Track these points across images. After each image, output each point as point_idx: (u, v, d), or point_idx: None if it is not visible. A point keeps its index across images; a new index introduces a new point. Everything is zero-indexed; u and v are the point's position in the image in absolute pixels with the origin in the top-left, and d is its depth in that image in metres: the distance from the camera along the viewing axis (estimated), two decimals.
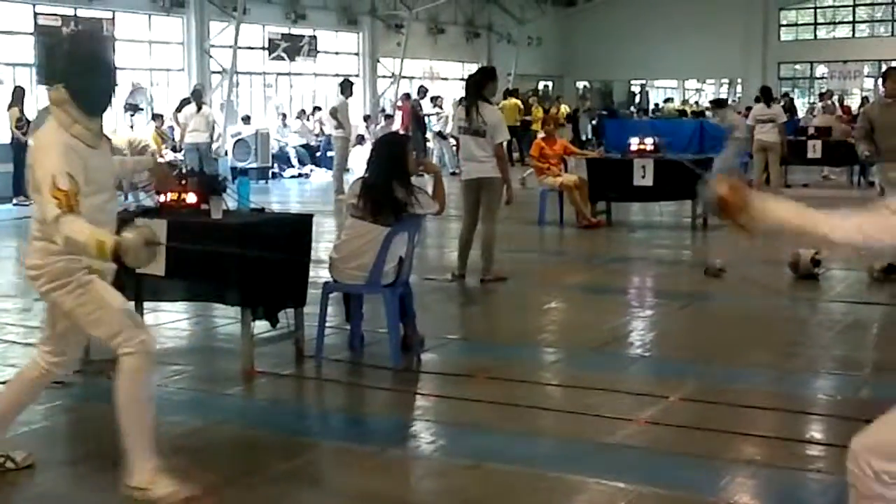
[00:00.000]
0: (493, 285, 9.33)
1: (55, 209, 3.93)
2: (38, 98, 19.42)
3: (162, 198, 6.39)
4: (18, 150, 17.00)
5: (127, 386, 4.21)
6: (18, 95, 17.46)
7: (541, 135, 14.59)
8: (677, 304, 8.62)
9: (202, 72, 23.21)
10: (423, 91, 24.91)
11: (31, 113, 17.50)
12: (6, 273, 11.14)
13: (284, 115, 24.76)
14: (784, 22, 36.51)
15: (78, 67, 4.16)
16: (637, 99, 39.49)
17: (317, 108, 25.37)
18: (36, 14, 19.84)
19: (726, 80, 39.14)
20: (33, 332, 7.21)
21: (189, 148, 18.41)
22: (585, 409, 5.55)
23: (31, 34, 19.86)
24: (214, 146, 19.77)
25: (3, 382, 5.97)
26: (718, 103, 20.02)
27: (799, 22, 36.73)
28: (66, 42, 4.24)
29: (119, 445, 4.29)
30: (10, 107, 17.45)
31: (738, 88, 37.42)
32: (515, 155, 25.70)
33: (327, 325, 6.66)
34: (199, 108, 18.54)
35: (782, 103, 23.06)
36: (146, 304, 7.01)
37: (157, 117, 19.85)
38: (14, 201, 16.99)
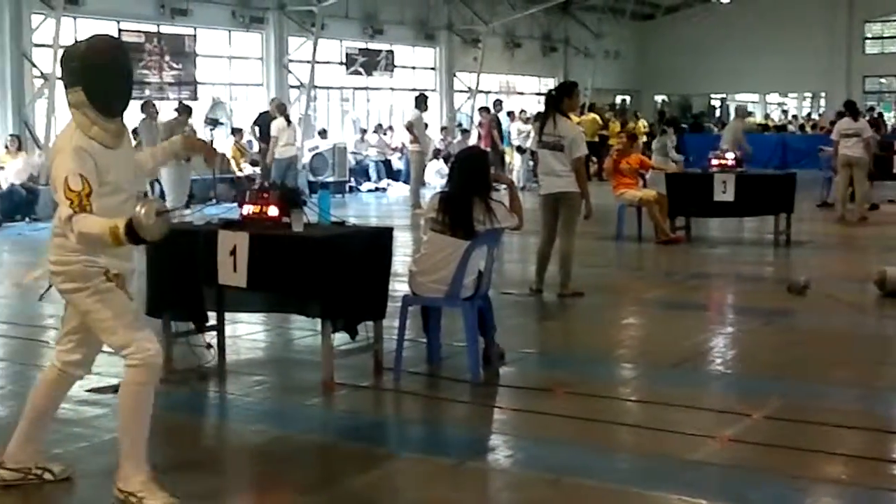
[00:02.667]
0: (570, 300, 9.28)
1: (68, 209, 4.05)
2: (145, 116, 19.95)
3: (244, 210, 6.47)
4: None
5: (129, 396, 4.32)
6: None
7: (615, 149, 14.50)
8: (759, 321, 8.49)
9: (281, 86, 23.50)
10: (498, 104, 24.95)
11: None
12: None
13: (364, 131, 24.95)
14: (869, 35, 35.83)
15: (94, 70, 4.25)
16: (717, 113, 39.06)
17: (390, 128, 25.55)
18: (120, 31, 20.25)
19: (809, 94, 38.53)
20: None
21: (279, 162, 18.51)
22: (666, 426, 5.49)
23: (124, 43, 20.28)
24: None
25: (89, 391, 6.13)
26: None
27: (884, 34, 36.01)
28: (83, 46, 4.31)
29: (194, 455, 4.34)
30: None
31: (822, 102, 36.81)
32: (593, 169, 25.60)
33: (406, 337, 6.68)
34: (289, 122, 18.67)
35: (868, 118, 22.59)
36: (226, 315, 7.12)
37: (236, 132, 20.13)
38: None
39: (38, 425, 4.63)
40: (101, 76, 4.26)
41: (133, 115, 17.53)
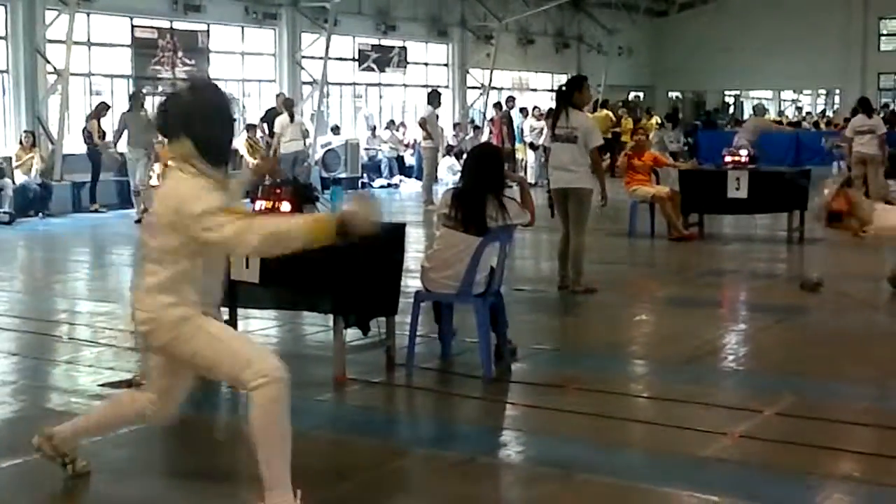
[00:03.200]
0: (583, 297, 9.27)
1: (234, 225, 3.86)
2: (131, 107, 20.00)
3: (256, 206, 6.48)
4: (95, 160, 17.65)
5: (265, 418, 4.00)
6: (101, 109, 17.97)
7: (629, 146, 14.48)
8: (772, 318, 8.46)
9: (293, 83, 23.52)
10: (511, 101, 24.94)
11: (107, 126, 18.20)
12: (101, 279, 11.44)
13: (374, 127, 24.95)
14: (884, 31, 35.64)
15: (202, 119, 4.06)
16: (731, 110, 38.94)
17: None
18: (133, 26, 20.32)
19: (823, 91, 38.38)
20: (128, 336, 7.40)
21: (285, 157, 18.61)
22: (677, 422, 5.48)
23: (128, 46, 20.35)
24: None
25: (102, 385, 6.17)
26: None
27: None
28: (186, 94, 4.12)
29: (205, 451, 4.33)
30: (89, 118, 17.96)
31: (836, 99, 36.67)
32: (605, 165, 25.54)
33: (418, 333, 6.69)
34: (292, 118, 18.76)
35: (883, 114, 22.50)
36: (239, 311, 7.14)
37: (250, 127, 20.17)
38: (92, 208, 17.59)
39: (89, 432, 4.66)
40: (208, 125, 4.06)
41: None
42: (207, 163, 4.05)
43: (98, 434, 4.74)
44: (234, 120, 4.31)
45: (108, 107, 18.35)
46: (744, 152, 13.52)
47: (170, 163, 4.16)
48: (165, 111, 4.14)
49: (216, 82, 4.40)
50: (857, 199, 2.71)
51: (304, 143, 19.14)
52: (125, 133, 16.75)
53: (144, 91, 18.49)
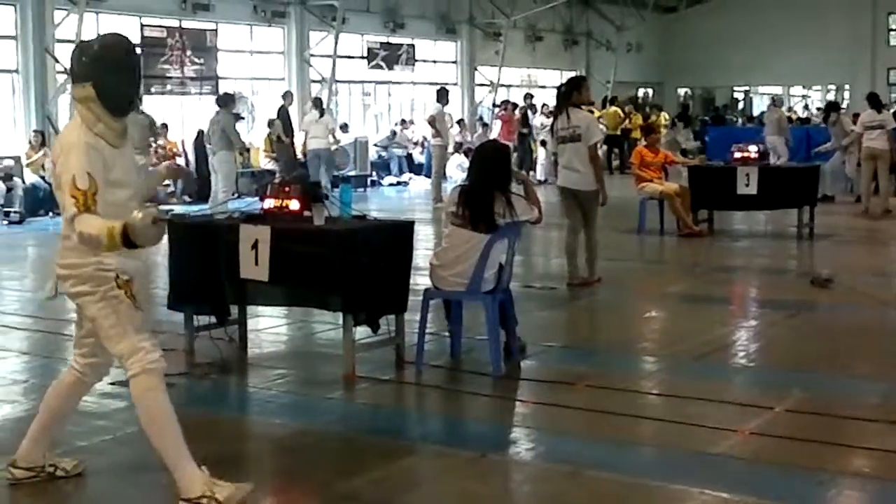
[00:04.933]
0: (590, 293, 9.27)
1: (72, 208, 4.06)
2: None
3: (266, 204, 6.50)
4: None
5: (142, 406, 4.26)
6: None
7: (642, 143, 14.46)
8: (782, 315, 8.44)
9: (302, 81, 23.53)
10: (529, 98, 24.95)
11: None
12: None
13: (394, 133, 24.97)
14: (893, 26, 35.47)
15: (105, 67, 4.27)
16: (741, 106, 38.85)
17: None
18: (142, 26, 20.35)
19: (833, 87, 38.25)
20: None
21: (311, 155, 18.98)
22: (687, 419, 5.47)
23: (137, 45, 20.35)
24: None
25: (112, 384, 6.17)
26: (833, 107, 19.46)
27: None
28: (96, 43, 4.34)
29: (215, 448, 4.34)
30: None
31: (846, 94, 36.54)
32: (616, 163, 25.53)
33: (427, 331, 6.69)
34: (322, 115, 19.06)
35: (893, 109, 22.44)
36: (248, 309, 7.15)
37: (272, 123, 20.24)
38: None
39: (49, 427, 4.62)
40: (112, 73, 4.27)
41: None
42: (106, 109, 4.25)
43: (55, 425, 4.65)
44: (139, 74, 4.50)
45: None
46: (752, 148, 13.48)
47: (74, 106, 4.38)
48: (78, 56, 4.35)
49: (126, 37, 4.58)
50: None
51: (329, 141, 19.33)
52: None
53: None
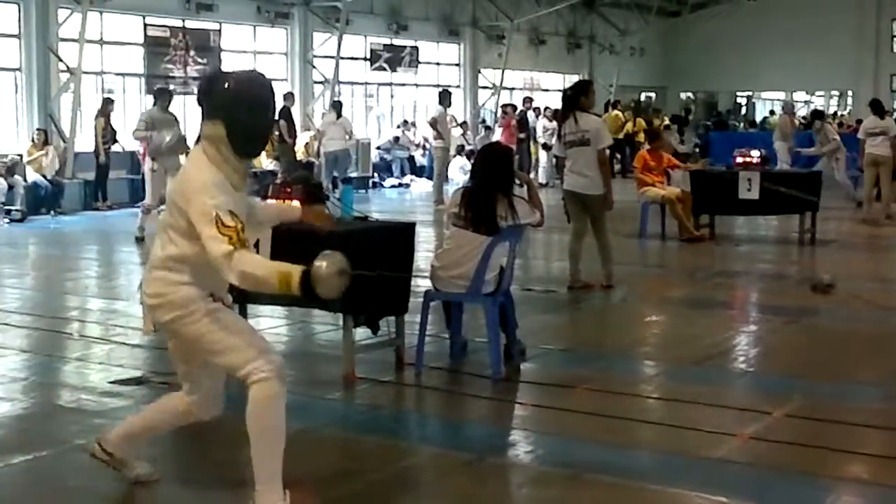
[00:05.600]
0: (591, 297, 9.27)
1: (226, 246, 3.79)
2: (144, 105, 19.99)
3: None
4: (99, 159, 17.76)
5: (261, 414, 4.01)
6: (107, 105, 18.03)
7: (646, 147, 14.46)
8: (782, 320, 8.44)
9: (305, 82, 23.56)
10: (528, 101, 24.96)
11: (117, 124, 18.33)
12: (111, 277, 11.47)
13: (398, 138, 25.01)
14: None
15: (244, 107, 4.00)
16: (743, 111, 38.84)
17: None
18: (146, 25, 20.37)
19: (836, 93, 38.26)
20: (139, 334, 7.41)
21: (329, 157, 19.34)
22: (687, 423, 5.47)
23: (140, 45, 20.40)
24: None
25: (112, 382, 6.18)
26: (818, 115, 19.61)
27: None
28: (233, 80, 4.05)
29: (216, 449, 4.34)
30: (96, 117, 18.00)
31: (849, 100, 36.54)
32: (617, 167, 25.52)
33: (427, 333, 6.68)
34: (339, 117, 19.43)
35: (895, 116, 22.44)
36: (248, 309, 7.14)
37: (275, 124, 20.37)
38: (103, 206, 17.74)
39: (138, 439, 4.57)
40: (247, 115, 4.00)
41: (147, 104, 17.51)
42: (235, 152, 4.01)
43: (145, 435, 4.62)
44: (272, 115, 4.22)
45: (113, 101, 18.40)
46: (755, 152, 13.47)
47: (200, 142, 4.09)
48: (209, 90, 4.09)
49: (268, 79, 4.25)
50: None
51: (346, 142, 19.59)
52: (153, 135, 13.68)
53: (172, 88, 17.23)
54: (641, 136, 23.28)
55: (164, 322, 4.11)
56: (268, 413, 4.00)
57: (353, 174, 21.37)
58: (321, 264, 3.73)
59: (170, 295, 4.04)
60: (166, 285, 4.04)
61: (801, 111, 38.28)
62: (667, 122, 26.76)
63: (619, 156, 25.93)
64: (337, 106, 20.06)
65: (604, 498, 4.52)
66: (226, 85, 4.05)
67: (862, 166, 16.11)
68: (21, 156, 17.23)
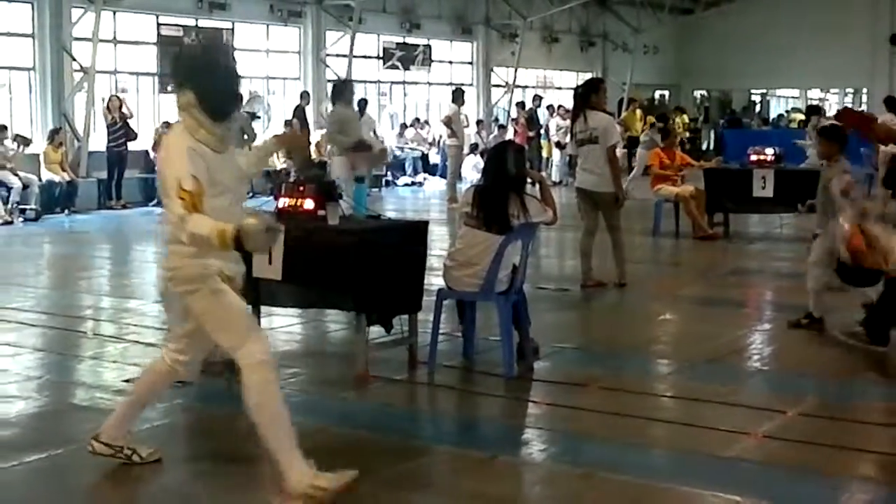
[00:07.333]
0: (604, 295, 9.25)
1: (181, 209, 4.10)
2: (159, 106, 20.04)
3: (280, 203, 6.50)
4: (112, 157, 17.82)
5: (261, 397, 4.33)
6: (115, 104, 18.05)
7: (661, 145, 14.44)
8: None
9: (318, 80, 23.55)
10: (538, 100, 24.91)
11: (133, 122, 18.38)
12: (125, 275, 11.50)
13: (404, 125, 25.03)
14: None
15: (204, 71, 4.32)
16: (758, 109, 38.71)
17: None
18: (159, 24, 20.39)
19: (851, 90, 38.08)
20: (153, 332, 7.45)
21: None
22: (700, 422, 5.46)
23: (154, 44, 20.44)
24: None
25: (127, 381, 6.20)
26: (813, 110, 19.51)
27: None
28: (193, 48, 4.45)
29: (229, 447, 4.35)
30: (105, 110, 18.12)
31: (864, 98, 36.38)
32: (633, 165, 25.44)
33: (440, 331, 6.68)
34: (363, 115, 19.16)
35: None
36: (262, 308, 7.15)
37: (288, 123, 20.31)
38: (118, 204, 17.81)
39: (135, 410, 4.82)
40: (210, 78, 4.31)
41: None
42: (207, 115, 4.29)
43: (140, 409, 4.86)
44: (237, 75, 4.54)
45: (118, 97, 18.48)
46: (769, 150, 13.43)
47: (177, 113, 4.40)
48: (174, 66, 4.47)
49: (223, 39, 4.57)
50: (874, 233, 2.61)
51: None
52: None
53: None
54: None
55: (174, 292, 4.47)
56: (268, 400, 4.33)
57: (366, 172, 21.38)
58: (250, 221, 4.03)
59: (184, 269, 4.36)
60: (181, 258, 4.34)
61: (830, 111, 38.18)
62: (685, 121, 26.73)
63: (635, 153, 25.86)
64: (361, 104, 19.88)
65: (617, 496, 4.52)
66: (186, 56, 4.53)
67: (877, 164, 16.05)
68: (36, 155, 17.27)
